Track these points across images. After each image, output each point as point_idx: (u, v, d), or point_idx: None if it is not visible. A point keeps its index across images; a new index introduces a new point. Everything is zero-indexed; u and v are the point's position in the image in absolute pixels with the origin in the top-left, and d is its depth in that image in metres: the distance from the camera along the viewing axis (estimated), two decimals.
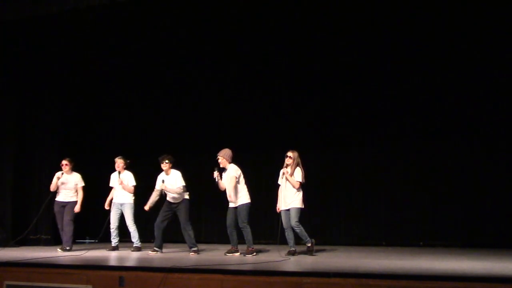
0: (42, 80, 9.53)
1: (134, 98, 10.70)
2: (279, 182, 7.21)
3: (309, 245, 7.00)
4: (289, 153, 7.09)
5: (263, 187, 9.09)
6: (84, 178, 8.27)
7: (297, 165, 7.08)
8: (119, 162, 8.12)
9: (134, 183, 8.12)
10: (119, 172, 8.10)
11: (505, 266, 5.51)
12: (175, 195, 7.48)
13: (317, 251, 7.54)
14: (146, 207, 7.66)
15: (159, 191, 7.65)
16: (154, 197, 7.67)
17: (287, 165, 7.06)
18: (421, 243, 8.79)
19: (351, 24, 8.62)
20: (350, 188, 9.44)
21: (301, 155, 7.19)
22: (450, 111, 8.82)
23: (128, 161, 8.20)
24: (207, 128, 10.17)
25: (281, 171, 7.15)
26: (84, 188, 8.18)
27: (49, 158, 9.39)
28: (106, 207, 8.17)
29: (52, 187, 8.06)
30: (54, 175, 8.10)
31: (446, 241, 8.63)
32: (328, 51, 9.18)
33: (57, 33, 8.83)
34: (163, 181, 7.52)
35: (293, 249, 7.00)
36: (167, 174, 7.59)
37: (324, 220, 9.25)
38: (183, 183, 7.51)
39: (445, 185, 8.82)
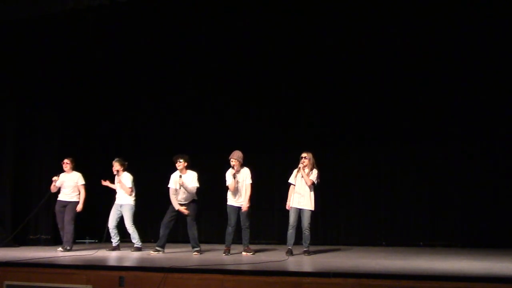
0: (42, 80, 9.52)
1: (135, 98, 10.69)
2: (291, 181, 7.22)
3: (307, 249, 7.02)
4: (304, 154, 7.11)
5: (264, 188, 9.09)
6: (83, 178, 8.27)
7: (313, 166, 7.12)
8: (115, 165, 8.10)
9: (130, 185, 8.05)
10: (117, 175, 8.11)
11: (505, 266, 5.51)
12: (186, 196, 7.43)
13: (317, 251, 7.55)
14: (181, 209, 7.34)
15: (175, 189, 7.42)
16: (175, 198, 7.41)
17: (304, 166, 7.08)
18: (421, 243, 8.79)
19: (353, 24, 8.63)
20: (350, 188, 9.44)
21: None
22: (450, 112, 8.82)
23: (125, 163, 8.18)
24: (206, 129, 10.15)
25: (295, 171, 7.17)
26: (85, 186, 8.18)
27: (49, 158, 9.39)
28: (103, 182, 8.20)
29: (52, 189, 8.10)
30: (54, 175, 8.11)
31: (446, 241, 8.63)
32: (328, 52, 9.19)
33: (57, 33, 8.83)
34: (180, 176, 7.37)
35: (291, 248, 7.01)
36: (182, 173, 7.44)
37: (324, 220, 9.25)
38: (198, 185, 7.47)
39: (445, 185, 8.82)
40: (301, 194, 7.05)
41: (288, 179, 7.29)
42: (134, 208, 8.10)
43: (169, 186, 7.49)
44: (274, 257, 6.72)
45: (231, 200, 7.32)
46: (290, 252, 6.95)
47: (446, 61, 8.72)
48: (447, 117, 8.85)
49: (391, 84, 9.07)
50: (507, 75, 8.33)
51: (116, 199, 8.15)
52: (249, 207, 7.27)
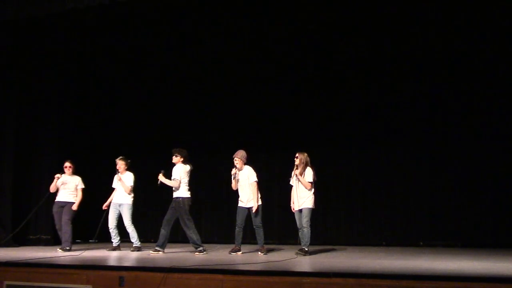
0: (41, 80, 9.52)
1: (134, 98, 10.70)
2: (291, 183, 7.27)
3: (306, 249, 6.97)
4: (297, 154, 7.19)
5: (264, 188, 9.08)
6: (82, 179, 8.27)
7: (306, 165, 7.14)
8: (120, 163, 8.13)
9: (132, 184, 8.08)
10: (120, 173, 8.11)
11: (505, 266, 5.51)
12: (173, 188, 7.38)
13: (317, 251, 7.55)
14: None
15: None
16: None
17: (296, 166, 7.13)
18: (421, 243, 8.79)
19: (354, 24, 8.63)
20: (350, 188, 9.44)
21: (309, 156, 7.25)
22: (450, 112, 8.83)
23: (128, 161, 8.20)
24: (207, 129, 10.15)
25: (293, 173, 7.22)
26: (83, 190, 8.20)
27: (49, 159, 9.39)
28: (104, 207, 8.15)
29: (52, 188, 8.09)
30: (54, 175, 8.11)
31: (446, 241, 8.63)
32: (329, 52, 9.20)
33: (57, 33, 8.83)
34: (162, 172, 7.43)
35: (306, 248, 6.99)
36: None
37: (324, 220, 9.25)
38: (178, 177, 7.34)
39: (445, 185, 8.82)
40: (298, 196, 7.08)
41: (287, 178, 7.33)
42: (132, 208, 8.11)
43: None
44: (274, 257, 6.71)
45: (240, 201, 7.41)
46: (304, 252, 6.94)
47: (446, 62, 8.74)
48: (447, 117, 8.86)
49: (392, 84, 9.08)
50: (506, 75, 8.34)
51: (114, 198, 8.14)
52: (259, 206, 7.29)
